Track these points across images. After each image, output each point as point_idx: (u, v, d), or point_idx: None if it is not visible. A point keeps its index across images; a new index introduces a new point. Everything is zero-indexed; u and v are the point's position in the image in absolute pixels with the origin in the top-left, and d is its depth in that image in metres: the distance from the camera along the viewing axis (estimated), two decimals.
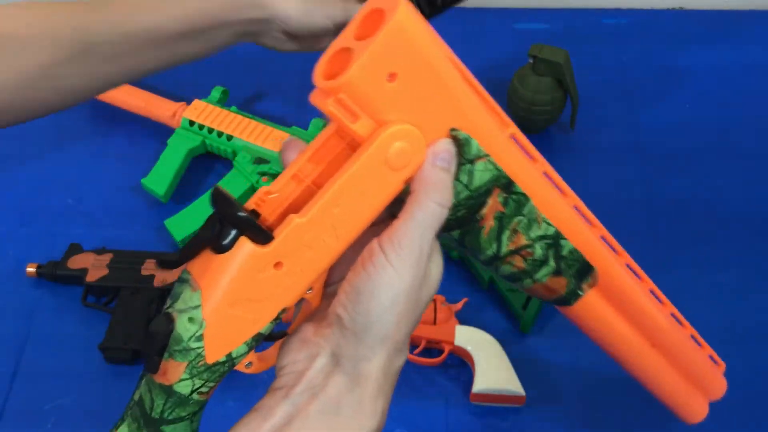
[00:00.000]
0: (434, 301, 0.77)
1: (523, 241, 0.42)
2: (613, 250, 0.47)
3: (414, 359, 0.76)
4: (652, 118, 0.97)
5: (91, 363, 0.77)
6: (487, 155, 0.39)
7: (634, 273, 0.49)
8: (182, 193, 0.90)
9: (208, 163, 0.93)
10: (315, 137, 0.39)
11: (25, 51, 0.57)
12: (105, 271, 0.80)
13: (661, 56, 1.04)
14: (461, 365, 0.77)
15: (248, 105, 0.98)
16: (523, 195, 0.41)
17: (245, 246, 0.36)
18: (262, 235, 0.36)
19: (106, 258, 0.81)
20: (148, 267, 0.81)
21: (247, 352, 0.39)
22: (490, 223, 0.41)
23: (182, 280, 0.37)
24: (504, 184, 0.40)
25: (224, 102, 0.96)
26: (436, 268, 0.40)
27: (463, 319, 0.78)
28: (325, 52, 0.36)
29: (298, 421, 0.37)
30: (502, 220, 0.41)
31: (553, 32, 1.07)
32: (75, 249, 0.82)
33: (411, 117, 0.36)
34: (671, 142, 0.95)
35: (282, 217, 0.38)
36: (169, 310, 0.37)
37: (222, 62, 1.03)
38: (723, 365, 0.59)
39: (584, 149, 0.94)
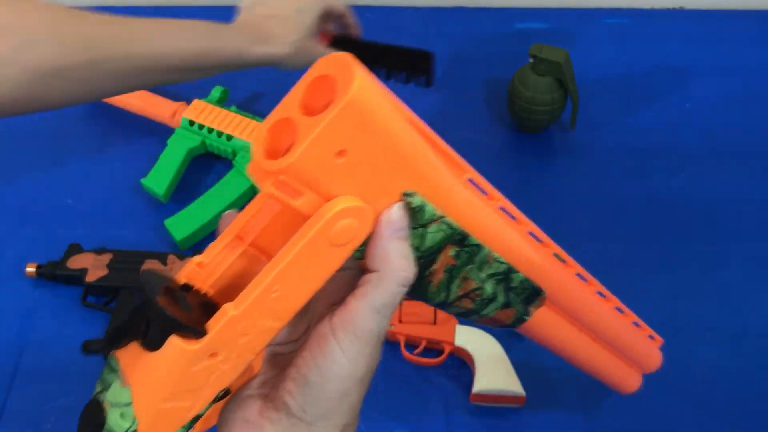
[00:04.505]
0: None
1: (473, 285, 0.40)
2: (563, 261, 0.46)
3: (414, 359, 0.76)
4: (652, 118, 0.97)
5: (91, 363, 0.77)
6: (441, 216, 0.36)
7: (582, 278, 0.48)
8: (182, 193, 0.90)
9: (207, 163, 0.93)
10: (253, 200, 0.36)
11: (33, 47, 0.61)
12: (105, 271, 0.80)
13: (661, 56, 1.04)
14: (461, 365, 0.77)
15: (248, 105, 0.98)
16: (477, 245, 0.39)
17: (176, 344, 0.32)
18: (193, 332, 0.33)
19: (106, 258, 0.81)
20: (148, 267, 0.81)
21: None
22: (439, 277, 0.39)
23: (111, 368, 0.35)
24: (458, 240, 0.37)
25: (224, 102, 0.96)
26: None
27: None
28: (265, 121, 0.32)
29: None
30: (452, 272, 0.39)
31: (554, 32, 1.07)
32: (75, 249, 0.82)
33: (360, 188, 0.33)
34: (671, 141, 0.95)
35: (218, 285, 0.36)
36: (100, 397, 0.35)
37: None
38: (660, 340, 0.59)
39: (584, 149, 0.94)
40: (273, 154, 0.32)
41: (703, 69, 1.03)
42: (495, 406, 0.74)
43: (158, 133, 0.94)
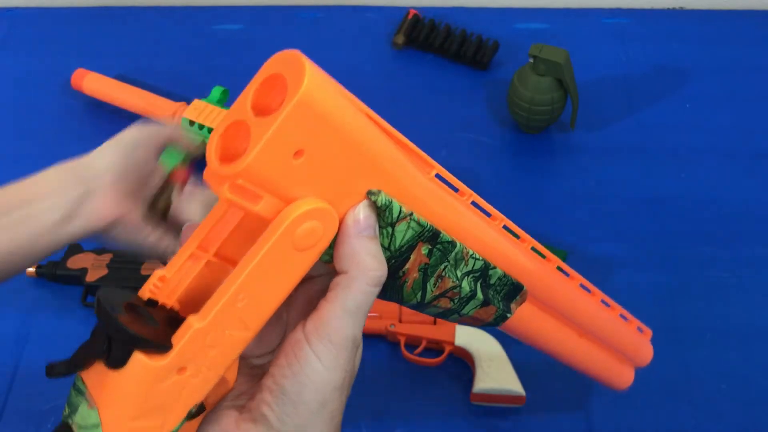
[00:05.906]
0: None
1: (449, 284, 0.39)
2: (542, 255, 0.45)
3: (414, 359, 0.76)
4: (652, 118, 0.97)
5: None
6: (410, 213, 0.35)
7: (563, 271, 0.47)
8: None
9: None
10: (213, 208, 0.35)
11: None
12: (105, 271, 0.80)
13: (661, 56, 1.04)
14: (461, 365, 0.77)
15: None
16: (450, 242, 0.37)
17: (140, 361, 0.31)
18: (156, 347, 0.32)
19: (106, 258, 0.81)
20: (148, 267, 0.81)
21: None
22: (413, 276, 0.37)
23: (78, 390, 0.34)
24: (429, 237, 0.36)
25: (224, 102, 0.96)
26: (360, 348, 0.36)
27: None
28: (218, 125, 0.31)
29: None
30: (426, 271, 0.38)
31: (553, 32, 1.07)
32: (75, 249, 0.82)
33: (322, 189, 0.32)
34: (671, 141, 0.95)
35: (184, 299, 0.35)
36: (69, 420, 0.34)
37: (222, 62, 1.03)
38: (649, 332, 0.58)
39: (584, 149, 0.94)
40: (229, 158, 0.31)
41: (703, 69, 1.03)
42: (495, 406, 0.74)
43: None
